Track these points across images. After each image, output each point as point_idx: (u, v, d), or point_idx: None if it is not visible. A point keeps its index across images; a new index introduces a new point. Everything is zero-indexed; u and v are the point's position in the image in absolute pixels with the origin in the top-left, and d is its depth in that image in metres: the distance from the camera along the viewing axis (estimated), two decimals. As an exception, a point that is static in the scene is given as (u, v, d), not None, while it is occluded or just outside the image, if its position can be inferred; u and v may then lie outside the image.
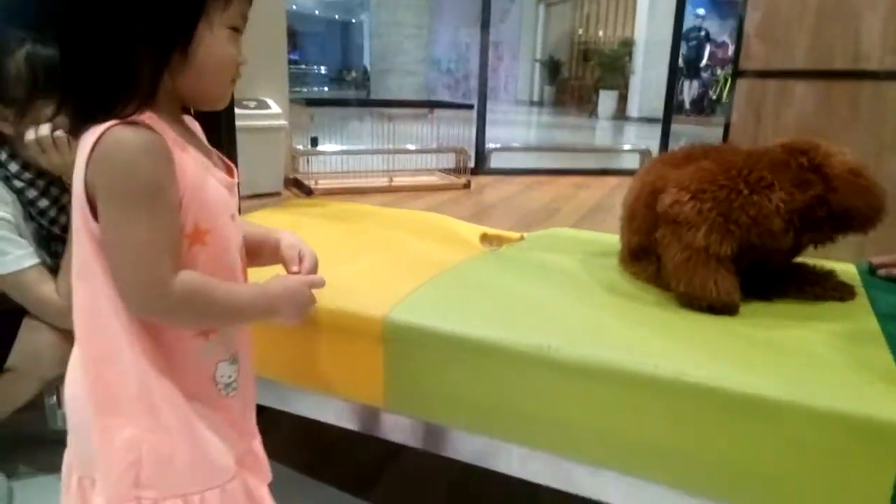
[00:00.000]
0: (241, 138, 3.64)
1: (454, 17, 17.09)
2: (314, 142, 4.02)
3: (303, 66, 18.17)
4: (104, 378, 0.64)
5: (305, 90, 15.06)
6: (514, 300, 0.98)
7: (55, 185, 1.14)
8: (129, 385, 0.64)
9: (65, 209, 1.13)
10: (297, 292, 0.74)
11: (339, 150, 4.24)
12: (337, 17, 22.78)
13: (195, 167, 0.64)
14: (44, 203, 1.13)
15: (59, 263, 1.10)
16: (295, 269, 0.78)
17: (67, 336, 1.11)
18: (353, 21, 22.06)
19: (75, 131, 0.62)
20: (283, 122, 3.59)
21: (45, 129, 1.05)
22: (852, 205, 0.89)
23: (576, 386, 0.81)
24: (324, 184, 3.85)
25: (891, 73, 2.10)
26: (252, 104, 3.43)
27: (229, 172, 0.72)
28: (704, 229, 0.89)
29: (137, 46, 0.60)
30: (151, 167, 0.59)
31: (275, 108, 3.56)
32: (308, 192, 3.69)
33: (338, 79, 20.09)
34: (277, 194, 3.63)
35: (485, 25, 4.99)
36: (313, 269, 0.79)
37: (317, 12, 22.65)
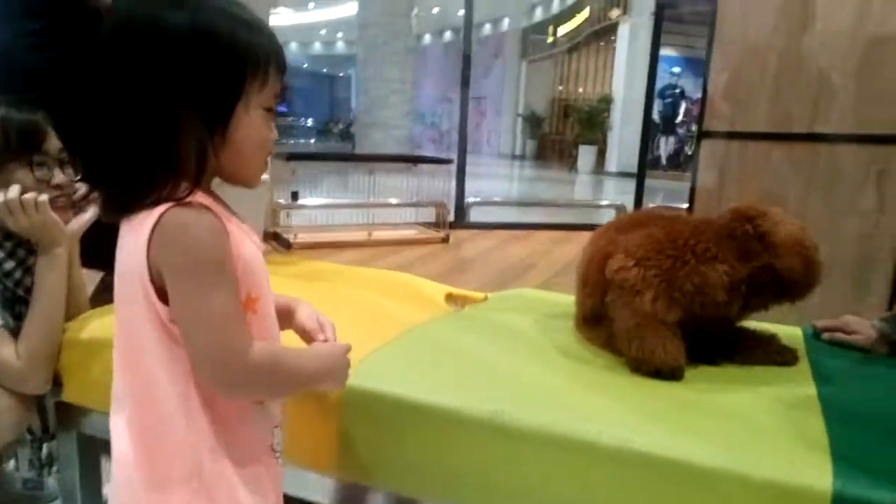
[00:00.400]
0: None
1: (438, 72, 17.56)
2: (294, 196, 4.08)
3: (290, 119, 18.49)
4: (156, 454, 0.65)
5: (292, 142, 15.29)
6: (470, 364, 1.00)
7: (22, 248, 1.15)
8: (182, 461, 0.65)
9: (30, 271, 1.15)
10: (342, 359, 0.77)
11: (319, 204, 4.29)
12: (325, 70, 23.31)
13: (240, 236, 0.67)
14: (10, 265, 1.14)
15: (20, 326, 1.10)
16: (322, 337, 0.81)
17: (24, 400, 1.11)
18: (341, 75, 22.58)
19: (121, 215, 0.64)
20: (264, 176, 3.65)
21: (13, 191, 1.07)
22: (795, 272, 0.93)
23: (524, 452, 0.82)
24: (303, 237, 3.89)
25: (845, 136, 2.20)
26: (233, 159, 3.50)
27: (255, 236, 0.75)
28: (650, 295, 0.92)
29: (183, 131, 0.61)
30: (216, 245, 0.62)
31: (256, 163, 3.63)
32: (287, 245, 3.73)
33: (324, 131, 20.43)
34: (256, 247, 3.66)
35: (465, 83, 5.16)
36: (335, 337, 0.82)
37: (305, 66, 23.17)
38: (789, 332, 1.17)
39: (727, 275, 0.92)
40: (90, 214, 1.18)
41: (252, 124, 0.66)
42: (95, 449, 1.19)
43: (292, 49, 22.80)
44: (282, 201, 4.06)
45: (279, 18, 17.15)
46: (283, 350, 0.71)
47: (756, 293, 0.95)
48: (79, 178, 1.17)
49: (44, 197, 1.08)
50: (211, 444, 0.66)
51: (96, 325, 1.14)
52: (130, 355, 0.66)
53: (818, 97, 2.26)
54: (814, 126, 2.27)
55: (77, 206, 1.17)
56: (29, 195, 1.07)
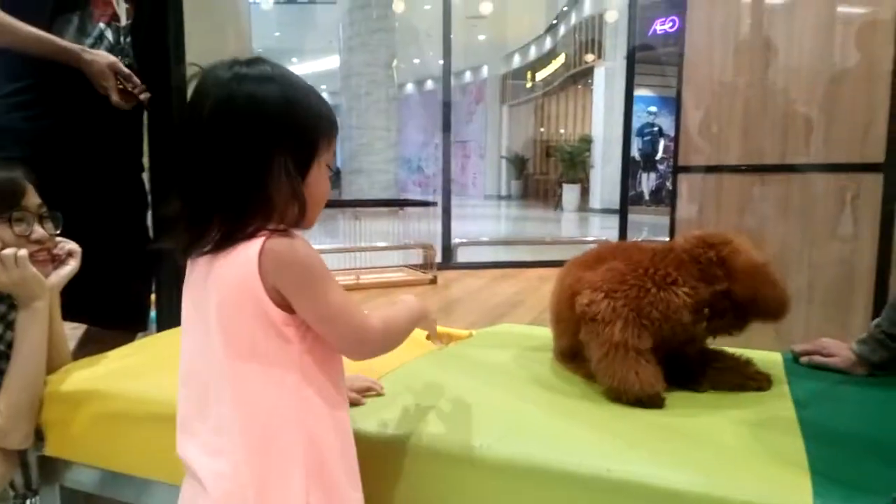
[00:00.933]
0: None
1: (422, 119, 17.88)
2: (280, 244, 4.09)
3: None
4: (270, 460, 0.73)
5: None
6: (452, 400, 1.00)
7: (3, 303, 1.16)
8: (297, 466, 0.74)
9: (11, 326, 1.15)
10: (419, 303, 0.91)
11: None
12: (310, 121, 23.63)
13: None
14: None
15: (1, 381, 1.10)
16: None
17: (6, 455, 1.10)
18: (326, 124, 22.88)
19: (218, 250, 0.74)
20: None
21: None
22: (753, 297, 0.95)
23: (507, 485, 0.82)
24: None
25: (816, 166, 2.26)
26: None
27: None
28: (620, 325, 0.94)
29: (277, 182, 0.74)
30: (317, 256, 0.76)
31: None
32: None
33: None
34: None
35: (446, 128, 5.27)
36: None
37: (290, 117, 23.50)
38: (769, 358, 1.19)
39: (688, 296, 0.95)
40: (71, 267, 1.19)
41: (321, 177, 0.79)
42: (79, 502, 1.17)
43: (277, 101, 23.09)
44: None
45: (264, 72, 17.37)
46: (382, 311, 0.84)
47: (718, 316, 0.97)
48: (58, 232, 1.19)
49: (23, 252, 1.09)
50: (322, 441, 0.76)
51: (78, 377, 1.14)
52: (241, 367, 0.74)
53: (787, 129, 2.34)
54: (785, 157, 2.34)
55: (57, 260, 1.18)
56: (8, 251, 1.08)
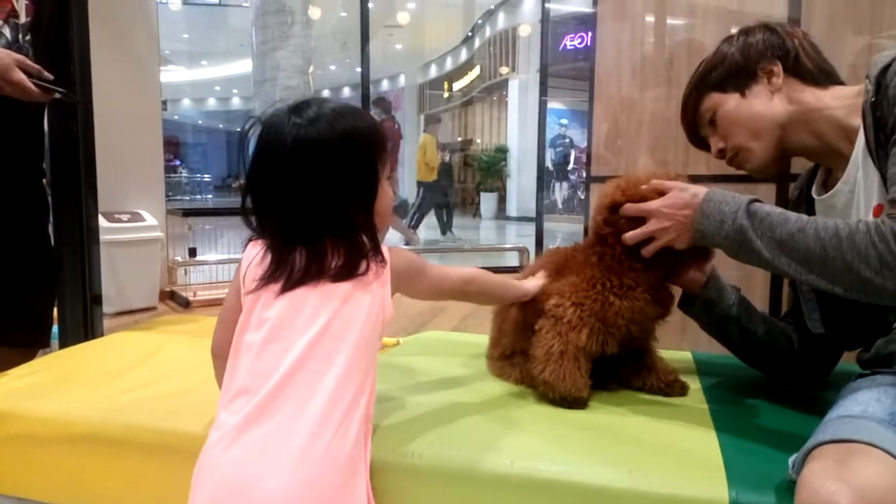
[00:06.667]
0: (112, 252, 3.49)
1: (339, 126, 17.59)
2: (192, 252, 3.92)
3: (185, 175, 17.88)
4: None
5: (188, 198, 14.77)
6: (384, 408, 1.00)
7: None
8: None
9: None
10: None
11: (218, 260, 4.15)
12: (221, 126, 22.83)
13: None
14: None
15: None
16: None
17: None
18: (238, 130, 22.18)
19: (350, 274, 0.84)
20: (158, 233, 3.49)
21: None
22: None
23: (439, 490, 0.83)
24: (203, 295, 3.72)
25: (714, 177, 2.42)
26: (125, 217, 3.33)
27: None
28: (587, 332, 0.98)
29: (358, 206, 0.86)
30: (411, 252, 0.99)
31: (149, 220, 3.47)
32: (185, 304, 3.56)
33: (223, 186, 19.91)
34: (153, 309, 3.46)
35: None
36: None
37: (200, 122, 22.61)
38: (680, 357, 1.26)
39: (645, 291, 0.99)
40: None
41: (384, 193, 0.90)
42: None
43: (185, 105, 22.20)
44: (179, 258, 3.90)
45: (171, 76, 16.69)
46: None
47: (660, 266, 1.01)
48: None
49: None
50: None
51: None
52: (360, 357, 0.84)
53: (688, 143, 2.49)
54: (687, 169, 2.49)
55: None
56: None
